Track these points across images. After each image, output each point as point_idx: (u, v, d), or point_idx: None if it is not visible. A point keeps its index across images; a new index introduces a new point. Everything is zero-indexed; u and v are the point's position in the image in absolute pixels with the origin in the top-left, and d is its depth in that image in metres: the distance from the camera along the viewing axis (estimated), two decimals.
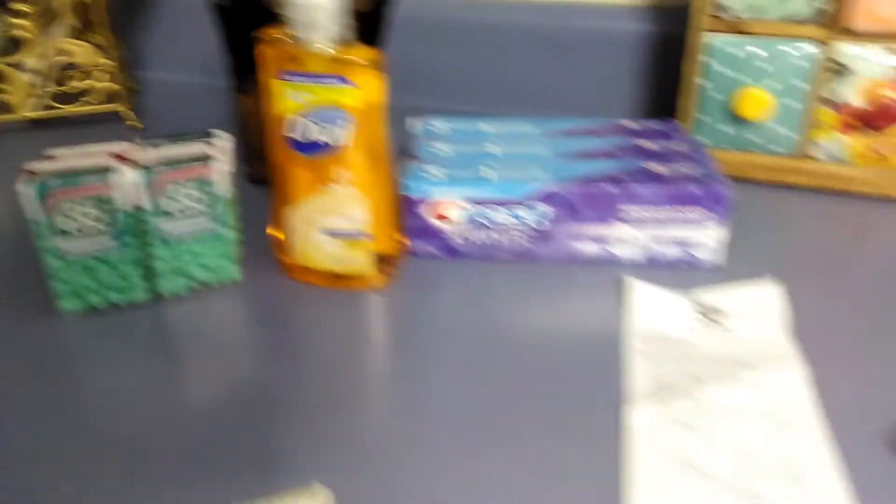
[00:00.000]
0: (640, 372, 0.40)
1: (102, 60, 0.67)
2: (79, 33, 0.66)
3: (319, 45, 0.41)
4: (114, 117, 0.70)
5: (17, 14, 0.63)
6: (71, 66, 0.67)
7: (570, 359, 0.41)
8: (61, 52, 0.67)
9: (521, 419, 0.37)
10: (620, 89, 0.69)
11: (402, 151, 0.56)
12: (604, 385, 0.39)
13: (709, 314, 0.44)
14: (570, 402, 0.38)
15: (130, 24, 0.82)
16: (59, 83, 0.67)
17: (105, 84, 0.68)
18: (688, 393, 0.38)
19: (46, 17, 0.65)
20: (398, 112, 0.69)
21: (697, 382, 0.38)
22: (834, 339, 0.42)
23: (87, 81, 0.68)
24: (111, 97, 0.69)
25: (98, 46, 0.67)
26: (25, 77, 0.67)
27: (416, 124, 0.57)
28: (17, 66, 0.66)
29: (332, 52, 0.41)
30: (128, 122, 0.69)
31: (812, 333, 0.42)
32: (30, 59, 0.66)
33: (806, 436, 0.35)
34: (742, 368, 0.39)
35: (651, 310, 0.44)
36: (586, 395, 0.39)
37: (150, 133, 0.70)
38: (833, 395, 0.38)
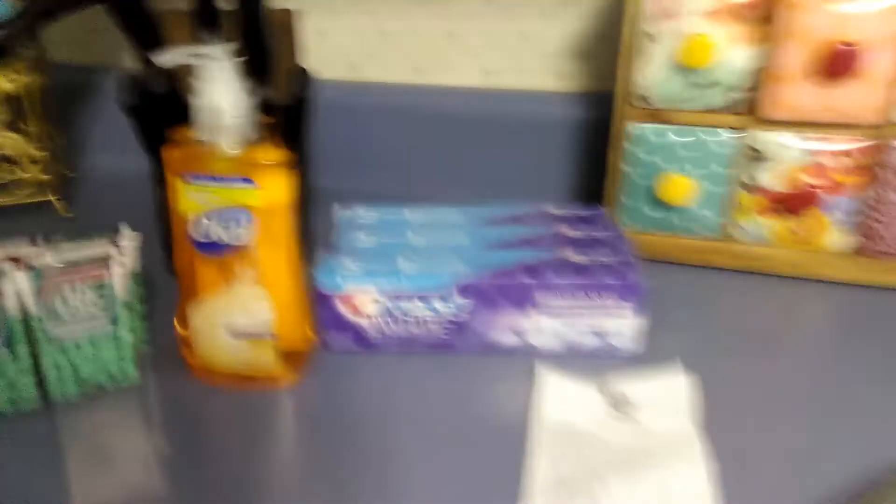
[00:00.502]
0: (541, 465, 0.38)
1: (33, 151, 0.66)
2: (10, 124, 0.66)
3: (224, 147, 0.41)
4: (44, 205, 0.69)
5: None
6: (3, 158, 0.67)
7: (477, 450, 0.40)
8: None
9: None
10: (549, 173, 0.70)
11: (325, 239, 0.55)
12: (504, 478, 0.38)
13: (618, 405, 0.43)
14: (471, 496, 0.37)
15: (69, 110, 0.82)
16: None
17: (35, 175, 0.67)
18: (587, 491, 0.36)
19: None
20: (328, 195, 0.70)
21: (599, 479, 0.37)
22: (747, 430, 0.42)
23: (18, 173, 0.67)
24: (42, 187, 0.68)
25: (30, 137, 0.66)
26: None
27: (340, 212, 0.57)
28: None
29: (236, 153, 0.41)
30: (60, 213, 0.69)
31: (725, 424, 0.42)
32: None
33: None
34: (646, 464, 0.38)
35: (560, 400, 0.43)
36: (486, 488, 0.38)
37: (80, 222, 0.69)
38: (739, 495, 0.37)
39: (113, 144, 0.81)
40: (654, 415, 0.42)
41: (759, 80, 0.53)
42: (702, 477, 0.37)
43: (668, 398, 0.43)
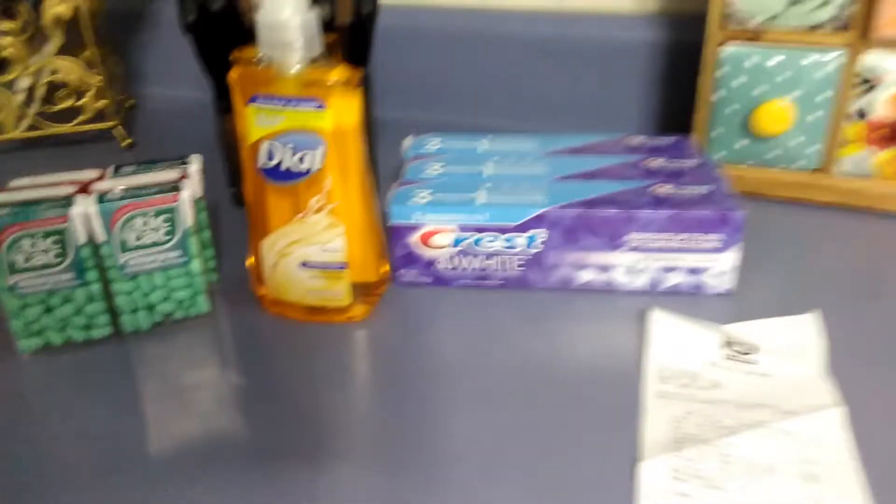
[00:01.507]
0: (656, 416, 0.35)
1: (92, 78, 0.65)
2: (68, 51, 0.64)
3: (289, 66, 0.38)
4: (106, 135, 0.68)
5: (4, 33, 0.62)
6: (61, 85, 0.65)
7: (576, 397, 0.37)
8: (50, 70, 0.65)
9: (520, 463, 0.34)
10: (631, 102, 0.65)
11: (395, 171, 0.53)
12: (614, 429, 0.35)
13: (738, 350, 0.39)
14: (576, 446, 0.35)
15: (128, 38, 0.80)
16: (49, 102, 0.66)
17: (95, 102, 0.66)
18: (710, 442, 0.33)
19: (34, 36, 0.63)
20: (396, 127, 0.67)
21: (722, 430, 0.34)
22: (872, 375, 0.38)
23: (78, 100, 0.66)
24: (102, 115, 0.67)
25: (88, 64, 0.65)
26: (14, 96, 0.65)
27: (411, 142, 0.54)
28: (5, 85, 0.64)
29: (304, 73, 0.38)
30: (120, 141, 0.67)
31: (848, 369, 0.38)
32: (18, 78, 0.64)
33: (844, 497, 0.31)
34: (773, 413, 0.35)
35: (675, 346, 0.40)
36: (594, 440, 0.35)
37: (141, 151, 0.68)
38: (873, 444, 0.33)
39: (172, 72, 0.79)
40: (779, 360, 0.38)
41: None
42: (836, 427, 0.34)
43: (792, 342, 0.39)
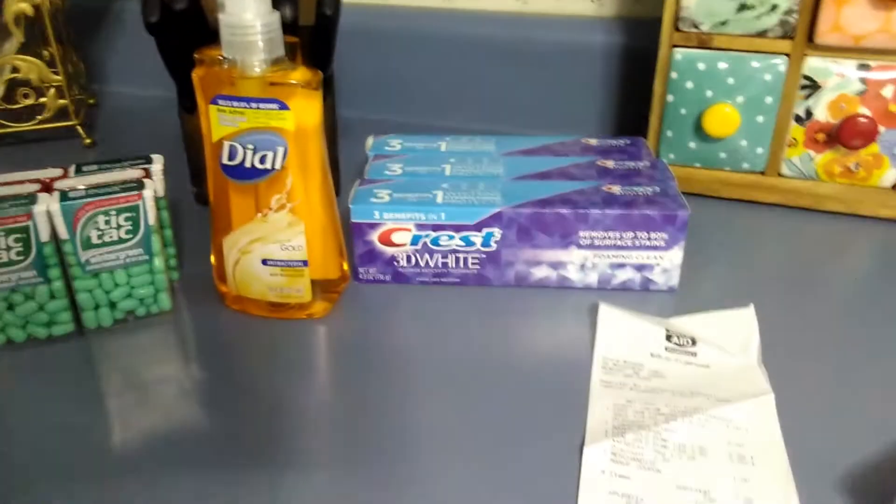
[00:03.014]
0: (600, 404, 0.37)
1: (51, 76, 0.65)
2: (28, 48, 0.64)
3: (252, 68, 0.39)
4: (67, 133, 0.68)
5: None
6: (22, 83, 0.65)
7: (529, 388, 0.39)
8: (10, 68, 0.64)
9: (474, 451, 0.35)
10: (588, 103, 0.67)
11: (357, 169, 0.54)
12: (563, 416, 0.37)
13: (678, 342, 0.41)
14: (527, 433, 0.36)
15: (90, 37, 0.80)
16: (9, 100, 0.65)
17: (56, 101, 0.65)
18: (649, 428, 0.35)
19: None
20: (359, 126, 0.68)
21: (660, 416, 0.36)
22: (802, 366, 0.40)
23: (39, 98, 0.65)
24: (63, 113, 0.66)
25: (49, 62, 0.65)
26: None
27: (372, 142, 0.55)
28: None
29: (266, 74, 0.39)
30: (81, 139, 0.67)
31: (780, 359, 0.40)
32: None
33: (771, 477, 0.33)
34: (709, 401, 0.37)
35: (617, 337, 0.42)
36: (545, 427, 0.37)
37: (102, 149, 0.68)
38: (800, 429, 0.36)
39: (133, 70, 0.79)
40: (717, 350, 0.41)
41: (815, 2, 0.50)
42: (765, 410, 0.36)
43: (730, 333, 0.42)
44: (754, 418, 0.36)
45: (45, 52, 0.65)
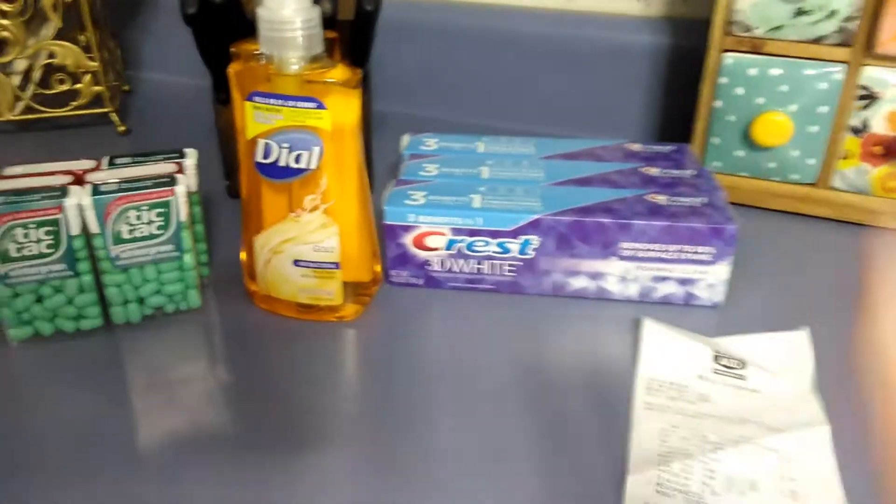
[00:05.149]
0: (644, 428, 0.35)
1: (87, 62, 0.64)
2: (66, 34, 0.64)
3: (290, 65, 0.38)
4: (101, 120, 0.67)
5: (3, 13, 0.61)
6: (58, 69, 0.65)
7: (564, 404, 0.38)
8: (47, 53, 0.64)
9: (504, 468, 0.34)
10: (632, 106, 0.65)
11: (391, 166, 0.52)
12: (601, 438, 0.35)
13: (727, 364, 0.39)
14: (561, 454, 0.35)
15: (127, 23, 0.79)
16: (45, 85, 0.65)
17: (91, 87, 0.65)
18: (695, 457, 0.33)
19: (33, 18, 0.63)
20: (393, 121, 0.67)
21: (707, 444, 0.34)
22: (859, 395, 0.38)
23: (74, 84, 0.65)
24: (98, 100, 0.66)
25: (85, 48, 0.64)
26: (10, 79, 0.64)
27: (408, 141, 0.54)
28: (1, 67, 0.64)
29: (304, 71, 0.38)
30: (115, 127, 0.67)
31: (835, 386, 0.38)
32: (15, 61, 0.64)
33: None
34: (759, 429, 0.35)
35: (662, 356, 0.40)
36: (577, 450, 0.35)
37: (136, 137, 0.68)
38: (857, 464, 0.34)
39: (169, 58, 0.79)
40: (769, 376, 0.38)
41: (876, 8, 0.47)
42: (822, 446, 0.34)
43: (783, 358, 0.40)
44: (808, 451, 0.34)
45: (82, 38, 0.64)
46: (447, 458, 0.35)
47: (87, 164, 0.42)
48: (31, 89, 0.65)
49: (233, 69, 0.39)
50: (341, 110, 0.38)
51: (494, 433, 0.36)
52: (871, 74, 0.49)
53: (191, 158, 0.43)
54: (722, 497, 0.32)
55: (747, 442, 0.34)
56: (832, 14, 0.49)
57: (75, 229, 0.39)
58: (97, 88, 0.65)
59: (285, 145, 0.39)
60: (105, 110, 0.66)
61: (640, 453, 0.34)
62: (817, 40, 0.50)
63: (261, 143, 0.39)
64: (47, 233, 0.38)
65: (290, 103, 0.38)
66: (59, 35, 0.64)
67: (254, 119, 0.39)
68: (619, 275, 0.44)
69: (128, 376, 0.40)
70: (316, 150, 0.39)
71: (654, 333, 0.41)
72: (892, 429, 0.36)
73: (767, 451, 0.34)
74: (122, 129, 0.67)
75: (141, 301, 0.42)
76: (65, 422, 0.37)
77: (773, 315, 0.44)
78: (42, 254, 0.39)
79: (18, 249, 0.38)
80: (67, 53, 0.64)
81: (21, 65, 0.65)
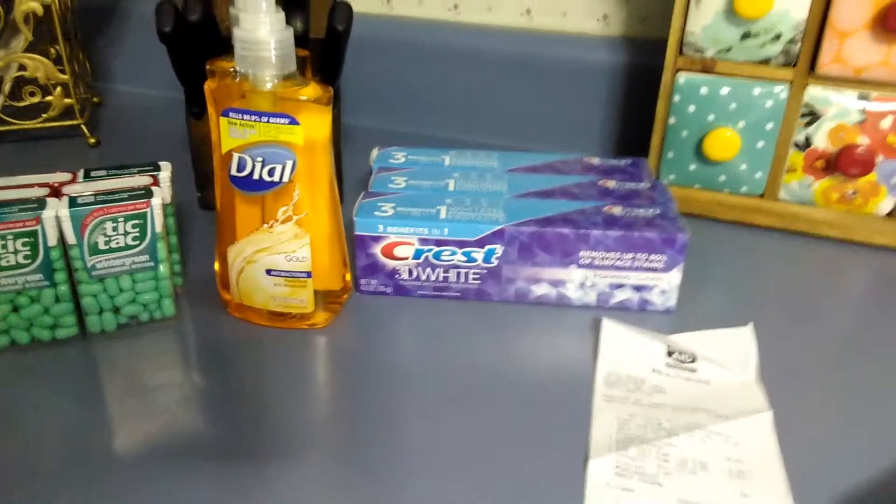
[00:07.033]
0: (603, 418, 0.38)
1: (58, 75, 0.65)
2: (35, 45, 0.64)
3: (264, 82, 0.39)
4: (72, 131, 0.68)
5: None
6: (28, 81, 0.65)
7: (529, 402, 0.40)
8: (18, 66, 0.65)
9: (474, 463, 0.36)
10: (591, 121, 0.68)
11: (360, 177, 0.54)
12: (562, 430, 0.38)
13: (679, 358, 0.42)
14: (529, 446, 0.37)
15: (97, 35, 0.80)
16: (16, 97, 0.65)
17: (62, 99, 0.66)
18: (651, 442, 0.36)
19: (3, 30, 0.63)
20: (362, 134, 0.69)
21: (662, 431, 0.37)
22: (798, 385, 0.41)
23: (45, 97, 0.66)
24: (68, 112, 0.67)
25: (55, 60, 0.65)
26: None
27: (377, 154, 0.55)
28: None
29: (278, 89, 0.39)
30: (87, 138, 0.68)
31: (777, 377, 0.42)
32: None
33: (770, 493, 0.34)
34: (709, 416, 0.38)
35: (620, 352, 0.43)
36: (547, 440, 0.37)
37: (106, 149, 0.68)
38: (798, 446, 0.37)
39: (139, 70, 0.80)
40: (718, 368, 0.41)
41: (818, 33, 0.51)
42: (763, 426, 0.37)
43: (730, 352, 0.43)
44: (753, 435, 0.37)
45: (52, 50, 0.65)
46: (418, 459, 0.36)
47: (63, 176, 0.43)
48: (0, 101, 0.65)
49: (209, 86, 0.41)
50: (313, 126, 0.40)
51: (463, 432, 0.38)
52: (814, 94, 0.53)
53: (165, 171, 0.44)
54: (675, 477, 0.34)
55: (698, 428, 0.37)
56: (777, 37, 0.52)
57: (52, 240, 0.40)
58: (67, 101, 0.66)
59: (259, 159, 0.40)
60: (75, 122, 0.67)
61: (601, 440, 0.37)
62: (764, 62, 0.53)
63: (235, 156, 0.41)
64: (25, 244, 0.39)
65: (264, 119, 0.39)
66: (30, 48, 0.64)
67: (228, 134, 0.40)
68: (578, 282, 0.47)
69: (104, 384, 0.41)
70: (289, 163, 0.40)
71: (612, 331, 0.44)
72: (825, 416, 0.39)
73: (716, 435, 0.37)
74: (92, 140, 0.68)
75: (116, 310, 0.43)
76: (41, 429, 0.38)
77: (721, 317, 0.46)
78: (19, 264, 0.39)
79: None
80: (38, 66, 0.64)
81: None
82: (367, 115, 0.73)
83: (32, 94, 0.65)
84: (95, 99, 0.77)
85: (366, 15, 0.71)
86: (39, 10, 0.62)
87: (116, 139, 0.70)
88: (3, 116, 0.65)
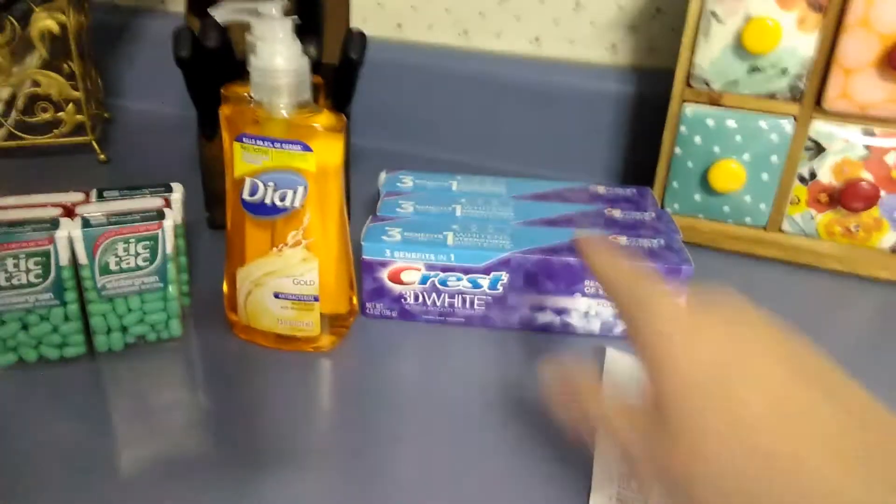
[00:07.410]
0: (605, 448, 0.38)
1: (71, 92, 0.66)
2: (49, 63, 0.65)
3: (278, 110, 0.40)
4: (82, 148, 0.69)
5: None
6: (42, 97, 0.66)
7: (531, 430, 0.40)
8: (31, 82, 0.65)
9: (476, 491, 0.36)
10: (598, 149, 0.69)
11: (368, 199, 0.54)
12: (564, 461, 0.38)
13: None
14: (527, 478, 0.37)
15: (110, 52, 0.81)
16: (28, 113, 0.66)
17: (74, 116, 0.66)
18: None
19: (18, 46, 0.64)
20: (371, 156, 0.69)
21: None
22: None
23: (57, 113, 0.66)
24: (80, 128, 0.67)
25: (69, 77, 0.66)
26: None
27: (385, 179, 0.56)
28: None
29: (292, 116, 0.40)
30: (98, 155, 0.68)
31: None
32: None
33: None
34: None
35: (623, 381, 0.43)
36: (545, 471, 0.37)
37: (116, 166, 0.69)
38: None
39: (150, 87, 0.80)
40: None
41: (824, 69, 0.52)
42: None
43: None
44: None
45: (66, 67, 0.66)
46: (419, 485, 0.37)
47: (76, 196, 0.44)
48: (13, 116, 0.66)
49: (224, 112, 0.41)
50: (326, 153, 0.41)
51: (465, 459, 0.38)
52: (819, 128, 0.53)
53: (177, 192, 0.45)
54: None
55: None
56: (784, 72, 0.52)
57: (64, 260, 0.40)
58: (79, 118, 0.67)
59: (271, 184, 0.41)
60: (86, 139, 0.68)
61: (602, 473, 0.37)
62: (770, 95, 0.54)
63: (248, 181, 0.41)
64: (37, 263, 0.40)
65: (278, 146, 0.40)
66: (44, 65, 0.65)
67: (242, 159, 0.41)
68: (582, 311, 0.47)
69: (109, 403, 0.41)
70: (300, 189, 0.41)
71: (616, 361, 0.44)
72: None
73: None
74: (102, 157, 0.68)
75: (124, 330, 0.43)
76: (47, 446, 0.38)
77: None
78: (30, 283, 0.40)
79: (7, 279, 0.39)
80: (52, 83, 0.65)
81: (4, 93, 0.66)
82: (375, 137, 0.74)
83: (45, 111, 0.66)
84: (106, 115, 0.78)
85: (376, 39, 0.72)
86: (56, 29, 0.63)
87: (126, 156, 0.71)
88: (16, 132, 0.66)
